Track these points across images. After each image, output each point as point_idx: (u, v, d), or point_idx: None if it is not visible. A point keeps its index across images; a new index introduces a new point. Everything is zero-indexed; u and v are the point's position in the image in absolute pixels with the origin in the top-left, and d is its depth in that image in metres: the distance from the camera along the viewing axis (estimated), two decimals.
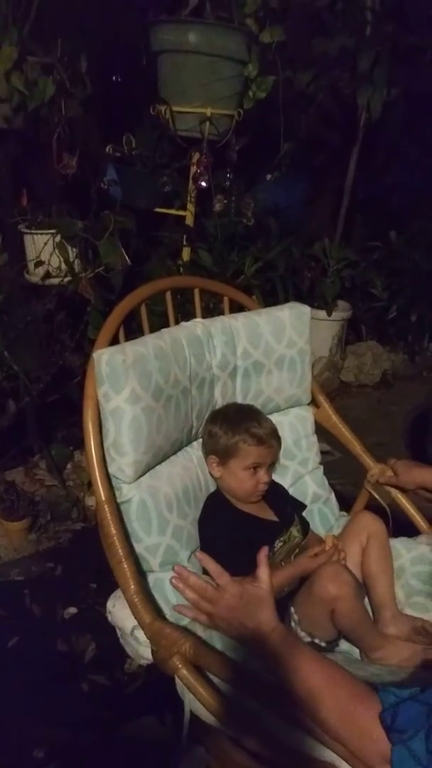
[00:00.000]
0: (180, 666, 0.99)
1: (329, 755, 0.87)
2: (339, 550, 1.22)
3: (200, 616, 0.97)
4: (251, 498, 1.27)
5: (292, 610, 1.21)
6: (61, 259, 2.00)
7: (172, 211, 2.62)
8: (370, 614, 1.26)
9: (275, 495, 1.36)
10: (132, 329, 1.26)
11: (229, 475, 1.26)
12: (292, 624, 1.21)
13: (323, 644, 1.20)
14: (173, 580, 0.98)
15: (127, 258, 2.05)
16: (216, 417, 1.31)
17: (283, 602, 1.22)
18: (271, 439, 1.28)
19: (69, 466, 2.32)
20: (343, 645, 1.24)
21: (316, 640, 1.19)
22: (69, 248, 2.00)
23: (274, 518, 1.31)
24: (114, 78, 2.58)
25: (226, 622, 0.94)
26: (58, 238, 1.98)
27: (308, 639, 1.19)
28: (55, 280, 2.05)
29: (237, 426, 1.26)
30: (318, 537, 1.40)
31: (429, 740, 0.70)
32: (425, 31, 3.13)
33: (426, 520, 1.44)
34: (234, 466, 1.25)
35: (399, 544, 1.37)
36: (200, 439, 1.33)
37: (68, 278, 2.03)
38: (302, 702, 0.84)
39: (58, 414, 2.24)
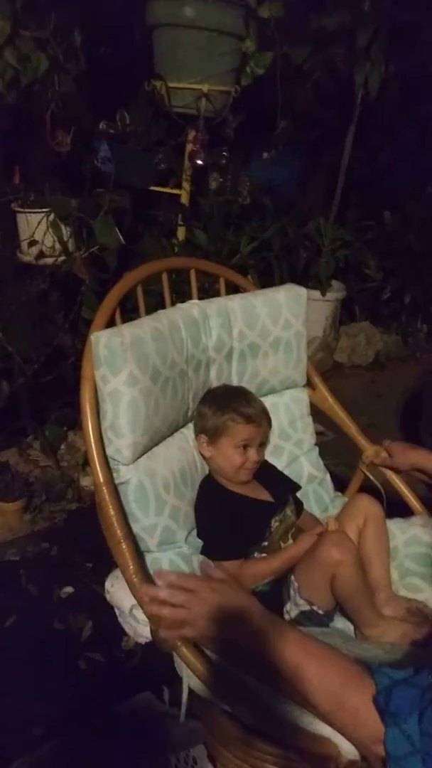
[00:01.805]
0: (179, 643, 1.00)
1: (325, 729, 0.89)
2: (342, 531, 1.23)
3: (178, 613, 0.88)
4: (241, 476, 1.29)
5: (293, 577, 1.23)
6: (55, 239, 1.98)
7: (167, 190, 2.59)
8: None
9: (269, 475, 1.38)
10: (126, 309, 1.26)
11: (218, 455, 1.28)
12: (291, 591, 1.22)
13: (321, 612, 1.22)
14: (146, 593, 0.91)
15: (121, 237, 2.03)
16: (206, 397, 1.32)
17: (281, 578, 1.24)
18: (260, 418, 1.30)
19: (63, 446, 2.32)
20: (339, 623, 1.26)
21: (315, 608, 1.21)
22: (63, 227, 1.98)
23: (269, 498, 1.32)
24: (104, 49, 2.51)
25: (208, 613, 0.88)
26: (51, 217, 1.95)
27: (307, 607, 1.21)
28: (49, 260, 2.03)
29: (226, 405, 1.28)
30: (313, 517, 1.42)
31: (422, 722, 0.72)
32: (423, 9, 3.08)
33: (420, 501, 1.46)
34: (223, 445, 1.27)
35: (393, 526, 1.39)
36: None
37: (62, 258, 2.01)
38: (294, 687, 0.85)
39: (52, 394, 2.23)
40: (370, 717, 0.75)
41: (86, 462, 2.16)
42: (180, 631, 0.90)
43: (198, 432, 1.31)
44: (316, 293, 3.24)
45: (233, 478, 1.29)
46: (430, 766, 0.71)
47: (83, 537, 1.93)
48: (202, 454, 1.32)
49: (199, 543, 1.24)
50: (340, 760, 0.89)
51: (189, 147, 2.40)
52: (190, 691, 1.05)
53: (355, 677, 0.80)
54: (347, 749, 0.87)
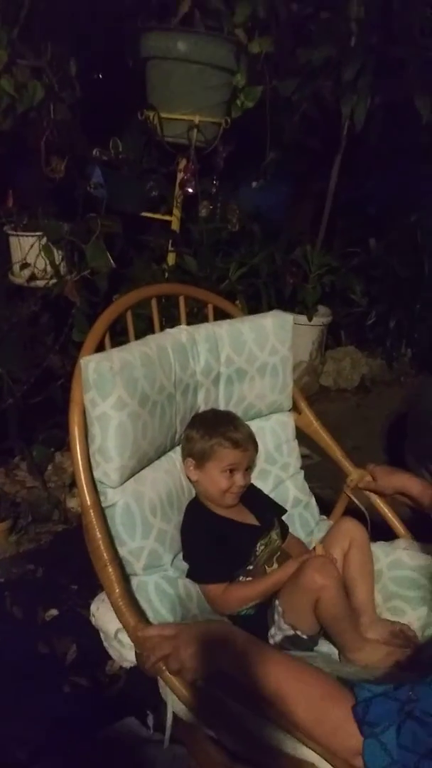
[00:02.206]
0: (164, 668, 1.01)
1: (309, 754, 0.89)
2: (330, 555, 1.25)
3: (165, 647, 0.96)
4: (227, 500, 1.30)
5: (277, 602, 1.24)
6: (47, 262, 2.01)
7: (158, 216, 2.64)
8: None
9: (255, 499, 1.39)
10: (116, 332, 1.28)
11: (205, 478, 1.29)
12: (276, 616, 1.23)
13: (305, 637, 1.22)
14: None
15: (112, 261, 2.06)
16: (194, 421, 1.34)
17: (266, 602, 1.25)
18: (247, 442, 1.31)
19: (50, 467, 2.32)
20: (323, 647, 1.27)
21: (299, 632, 1.22)
22: (55, 251, 2.01)
23: (255, 522, 1.33)
24: (97, 76, 2.57)
25: (193, 640, 0.94)
26: (44, 241, 1.99)
27: (291, 632, 1.22)
28: (41, 283, 2.06)
29: (214, 430, 1.29)
30: (299, 540, 1.43)
31: (400, 735, 0.73)
32: (409, 44, 3.18)
33: (403, 524, 1.48)
34: (210, 469, 1.28)
35: (377, 549, 1.40)
36: None
37: (53, 280, 2.04)
38: (275, 705, 0.86)
39: (40, 415, 2.24)
40: (349, 728, 0.76)
41: (73, 483, 2.16)
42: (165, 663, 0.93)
43: (185, 456, 1.32)
44: (303, 318, 3.29)
45: (219, 502, 1.30)
46: None
47: (69, 559, 1.92)
48: (188, 478, 1.33)
49: (185, 566, 1.25)
50: None
51: (180, 175, 2.46)
52: (175, 717, 1.05)
53: (335, 691, 0.81)
54: None
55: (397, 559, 1.38)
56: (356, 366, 3.69)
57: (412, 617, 1.30)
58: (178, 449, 1.35)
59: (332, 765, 0.85)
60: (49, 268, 2.04)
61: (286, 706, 0.83)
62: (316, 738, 0.83)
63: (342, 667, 1.18)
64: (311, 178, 3.74)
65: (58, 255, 2.03)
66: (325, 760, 0.86)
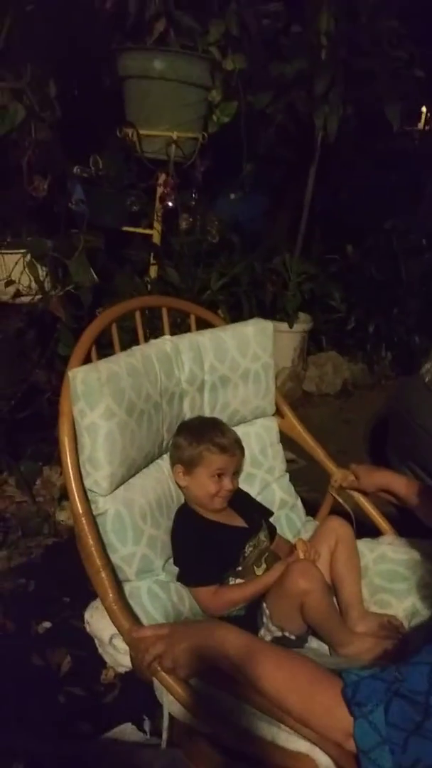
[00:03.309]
0: (159, 668, 1.03)
1: (302, 745, 0.92)
2: (313, 551, 1.29)
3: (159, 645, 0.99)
4: (215, 504, 1.33)
5: (264, 605, 1.27)
6: (32, 278, 2.04)
7: (139, 230, 2.69)
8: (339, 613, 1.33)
9: (243, 502, 1.42)
10: (101, 345, 1.31)
11: (194, 484, 1.33)
12: (264, 618, 1.27)
13: (293, 638, 1.26)
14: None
15: (95, 276, 2.09)
16: (181, 429, 1.37)
17: (255, 602, 1.28)
18: (234, 447, 1.35)
19: (38, 481, 2.33)
20: (313, 642, 1.31)
21: (287, 634, 1.25)
22: (39, 267, 2.04)
23: (243, 524, 1.37)
24: (75, 95, 2.62)
25: (186, 638, 0.98)
26: (28, 257, 2.01)
27: (279, 633, 1.25)
28: (26, 299, 2.08)
29: (202, 436, 1.33)
30: (286, 541, 1.47)
31: (388, 713, 0.77)
32: (378, 55, 3.27)
33: (388, 521, 1.52)
34: (199, 474, 1.32)
35: (362, 545, 1.44)
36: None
37: (38, 296, 2.06)
38: (267, 694, 0.89)
39: (26, 430, 2.25)
40: (339, 710, 0.80)
41: (62, 496, 2.18)
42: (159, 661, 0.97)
43: (174, 463, 1.36)
44: (284, 325, 3.34)
45: (208, 506, 1.34)
46: (398, 755, 0.75)
47: (60, 571, 1.93)
48: (178, 484, 1.36)
49: (176, 570, 1.28)
50: None
51: (160, 190, 2.51)
52: (171, 719, 1.07)
53: (323, 676, 0.85)
54: (324, 763, 0.91)
55: (382, 554, 1.42)
56: (338, 371, 3.75)
57: (398, 609, 1.35)
58: (166, 456, 1.38)
59: (325, 751, 0.89)
60: (33, 285, 2.06)
61: (278, 693, 0.87)
62: (308, 722, 0.86)
63: (331, 660, 1.22)
64: (288, 189, 3.82)
65: (42, 271, 2.05)
66: (318, 747, 0.90)
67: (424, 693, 0.76)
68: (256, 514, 1.42)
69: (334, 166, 3.81)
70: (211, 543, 1.29)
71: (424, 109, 4.97)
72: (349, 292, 3.78)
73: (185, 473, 1.33)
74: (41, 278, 2.04)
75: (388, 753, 0.76)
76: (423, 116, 5.04)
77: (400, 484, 1.43)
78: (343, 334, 3.87)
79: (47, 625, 1.81)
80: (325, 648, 1.30)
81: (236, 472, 1.39)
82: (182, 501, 1.37)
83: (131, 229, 2.68)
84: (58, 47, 2.04)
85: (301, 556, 1.26)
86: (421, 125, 5.07)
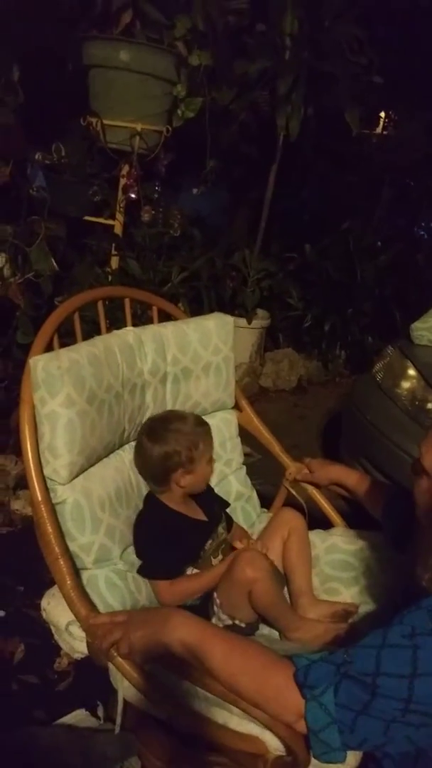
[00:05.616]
0: (115, 654, 1.05)
1: (253, 728, 0.96)
2: (260, 543, 1.33)
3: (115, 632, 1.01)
4: (203, 486, 1.36)
5: (215, 595, 1.30)
6: None
7: (101, 220, 2.67)
8: (289, 602, 1.38)
9: (203, 494, 1.44)
10: (61, 333, 1.30)
11: (195, 478, 1.33)
12: (215, 608, 1.30)
13: (243, 626, 1.29)
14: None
15: (55, 264, 2.08)
16: (161, 438, 1.32)
17: (210, 591, 1.31)
18: (203, 423, 1.38)
19: None
20: (264, 629, 1.35)
21: (237, 622, 1.29)
22: None
23: (203, 517, 1.39)
24: (39, 81, 2.58)
25: (141, 624, 1.00)
26: None
27: (230, 621, 1.28)
28: None
29: (191, 432, 1.33)
30: (243, 530, 1.51)
31: (337, 694, 0.81)
32: (339, 60, 3.34)
33: (339, 514, 1.58)
34: (200, 465, 1.33)
35: (314, 536, 1.49)
36: (132, 443, 1.39)
37: None
38: (220, 678, 0.92)
39: None
40: (291, 693, 0.83)
41: (17, 485, 2.16)
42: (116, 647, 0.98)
43: (172, 472, 1.32)
44: (243, 321, 3.39)
45: (197, 491, 1.36)
46: (346, 734, 0.80)
47: (14, 560, 1.92)
48: (175, 485, 1.34)
49: (135, 559, 1.29)
50: (267, 757, 0.96)
51: (123, 181, 2.50)
52: (125, 705, 1.09)
53: (275, 660, 0.88)
54: (274, 746, 0.94)
55: (332, 544, 1.47)
56: (294, 367, 3.83)
57: (346, 596, 1.40)
58: (127, 447, 1.39)
59: (275, 733, 0.92)
60: None
61: (231, 677, 0.90)
62: (260, 705, 0.89)
63: (282, 645, 1.26)
64: (249, 186, 3.86)
65: (1, 258, 2.03)
66: (269, 729, 0.93)
67: (371, 674, 0.80)
68: (215, 506, 1.45)
69: (294, 165, 3.87)
70: (175, 536, 1.30)
71: (382, 114, 5.10)
72: (306, 290, 3.86)
73: (186, 473, 1.32)
74: (0, 265, 2.01)
75: (336, 732, 0.80)
76: (381, 121, 5.17)
77: (352, 478, 1.48)
78: (300, 332, 3.95)
79: (1, 613, 1.79)
80: (276, 634, 1.34)
81: None
82: (142, 491, 1.39)
83: (93, 218, 2.66)
84: (22, 31, 2.01)
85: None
86: (379, 129, 5.20)
